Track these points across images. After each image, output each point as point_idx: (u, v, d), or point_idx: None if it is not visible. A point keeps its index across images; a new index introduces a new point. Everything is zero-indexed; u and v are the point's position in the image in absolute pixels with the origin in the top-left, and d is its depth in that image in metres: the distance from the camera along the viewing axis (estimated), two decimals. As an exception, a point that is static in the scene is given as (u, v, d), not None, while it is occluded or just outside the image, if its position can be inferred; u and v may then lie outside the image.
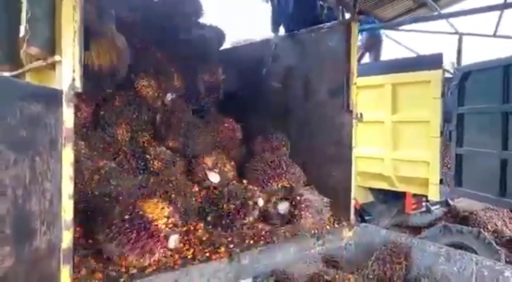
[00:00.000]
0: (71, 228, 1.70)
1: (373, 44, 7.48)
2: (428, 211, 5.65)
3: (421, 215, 5.64)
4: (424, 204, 5.54)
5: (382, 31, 7.67)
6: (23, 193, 1.35)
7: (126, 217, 2.23)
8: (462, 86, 4.39)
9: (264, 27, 4.38)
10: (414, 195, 5.23)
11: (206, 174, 3.19)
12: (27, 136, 1.40)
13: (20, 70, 2.19)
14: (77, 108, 3.02)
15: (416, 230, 5.45)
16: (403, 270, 2.90)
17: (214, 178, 3.22)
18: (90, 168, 2.62)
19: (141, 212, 2.28)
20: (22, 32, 1.91)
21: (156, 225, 2.28)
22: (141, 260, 2.20)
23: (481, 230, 4.65)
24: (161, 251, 2.29)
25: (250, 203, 2.93)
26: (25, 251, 1.40)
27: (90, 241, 2.37)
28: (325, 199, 3.21)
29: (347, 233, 3.28)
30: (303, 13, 3.87)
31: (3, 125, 1.30)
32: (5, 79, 1.64)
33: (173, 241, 2.38)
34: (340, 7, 4.09)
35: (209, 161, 3.34)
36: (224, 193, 2.98)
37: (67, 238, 1.68)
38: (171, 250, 2.37)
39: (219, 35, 4.60)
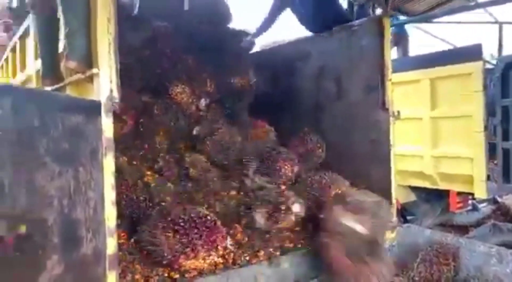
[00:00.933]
0: (115, 235, 1.75)
1: (399, 41, 7.29)
2: (475, 209, 5.40)
3: (467, 213, 5.39)
4: (470, 202, 5.29)
5: (407, 26, 7.44)
6: (68, 203, 1.40)
7: (184, 217, 2.25)
8: (505, 77, 4.18)
9: (293, 28, 4.37)
10: (459, 193, 5.00)
11: (242, 180, 3.19)
12: (69, 147, 1.45)
13: (61, 84, 2.29)
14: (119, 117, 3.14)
15: (462, 229, 5.22)
16: (452, 272, 2.78)
17: (250, 183, 3.21)
18: (133, 176, 2.69)
19: (199, 210, 2.30)
20: (61, 48, 2.00)
21: (215, 222, 2.30)
22: (207, 257, 2.22)
23: (534, 227, 4.40)
24: (223, 247, 2.31)
25: (283, 207, 2.89)
26: (72, 258, 1.45)
27: (135, 246, 2.43)
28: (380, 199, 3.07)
29: (389, 234, 3.18)
30: (325, 13, 3.82)
31: (47, 138, 1.35)
32: (47, 92, 1.70)
33: (229, 240, 2.41)
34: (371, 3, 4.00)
35: (244, 167, 3.31)
36: (258, 196, 2.96)
37: (111, 245, 1.72)
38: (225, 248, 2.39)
39: (249, 39, 4.62)
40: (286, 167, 3.24)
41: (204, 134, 3.37)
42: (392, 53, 7.22)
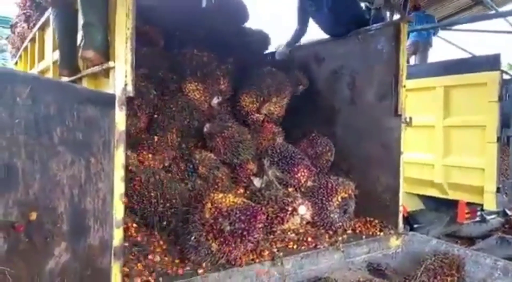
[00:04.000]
0: (121, 226, 1.78)
1: (421, 49, 7.21)
2: (483, 220, 5.31)
3: (475, 225, 5.30)
4: (478, 213, 5.22)
5: (431, 33, 7.34)
6: (78, 192, 1.43)
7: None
8: (523, 89, 4.11)
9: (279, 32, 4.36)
10: (468, 204, 4.94)
11: (250, 179, 3.20)
12: (83, 138, 1.49)
13: (78, 75, 2.34)
14: (134, 112, 3.19)
15: (469, 240, 5.15)
16: (455, 283, 2.75)
17: (258, 183, 3.24)
18: (146, 171, 2.74)
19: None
20: (79, 39, 2.04)
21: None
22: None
23: (543, 243, 4.32)
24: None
25: (289, 208, 2.90)
26: (80, 247, 1.48)
27: (145, 239, 2.47)
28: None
29: (394, 241, 3.17)
30: (344, 16, 3.79)
31: (62, 127, 1.38)
32: (64, 84, 1.74)
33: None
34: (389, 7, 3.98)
35: (253, 166, 3.36)
36: (265, 196, 2.97)
37: (118, 236, 1.76)
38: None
39: (264, 39, 4.63)
40: (302, 173, 3.23)
41: (215, 131, 3.38)
42: (411, 60, 7.22)
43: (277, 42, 4.85)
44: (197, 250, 2.25)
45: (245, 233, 2.21)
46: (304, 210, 2.96)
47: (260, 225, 2.32)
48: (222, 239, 2.21)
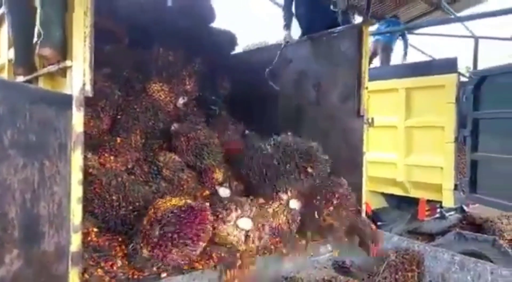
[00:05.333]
0: (79, 231, 1.72)
1: (383, 50, 7.43)
2: (443, 217, 5.54)
3: (435, 221, 5.53)
4: (438, 210, 5.44)
5: (396, 37, 7.58)
6: (31, 196, 1.37)
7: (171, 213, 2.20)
8: (478, 91, 4.30)
9: (275, 32, 4.39)
10: (428, 201, 5.14)
11: (216, 189, 3.15)
12: (36, 140, 1.43)
13: (34, 74, 2.24)
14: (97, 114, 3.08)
15: (430, 237, 5.35)
16: (416, 278, 2.85)
17: (224, 193, 3.14)
18: (107, 174, 2.65)
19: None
20: (35, 36, 1.96)
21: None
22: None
23: (497, 238, 4.54)
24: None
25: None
26: (33, 253, 1.42)
27: (106, 243, 2.39)
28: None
29: (358, 239, 3.24)
30: (320, 18, 3.86)
31: (13, 129, 1.32)
32: (16, 84, 1.67)
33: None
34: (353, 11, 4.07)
35: (219, 174, 3.26)
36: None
37: (76, 241, 1.70)
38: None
39: (231, 40, 4.62)
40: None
41: (182, 131, 3.31)
42: (375, 62, 7.41)
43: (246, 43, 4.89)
44: (134, 258, 2.20)
45: (175, 236, 2.13)
46: (295, 204, 2.92)
47: (202, 226, 2.23)
48: (152, 244, 2.14)
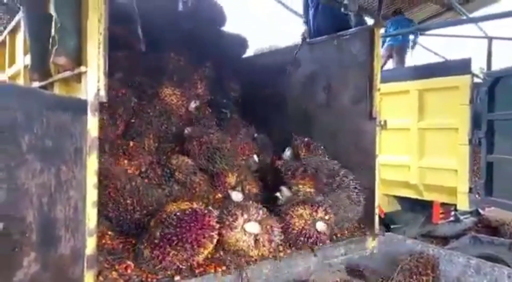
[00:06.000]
0: (94, 235, 1.74)
1: (398, 52, 7.36)
2: (457, 220, 5.46)
3: (449, 224, 5.45)
4: (452, 213, 5.36)
5: (411, 38, 7.50)
6: (48, 201, 1.39)
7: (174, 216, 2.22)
8: (492, 92, 4.22)
9: (275, 32, 4.41)
10: (442, 204, 5.07)
11: (229, 193, 3.16)
12: (53, 145, 1.45)
13: (49, 80, 2.29)
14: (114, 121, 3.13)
15: (444, 240, 5.28)
16: (430, 282, 2.81)
17: (237, 197, 3.15)
18: (122, 178, 2.68)
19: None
20: (51, 44, 2.00)
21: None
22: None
23: (514, 241, 4.46)
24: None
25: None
26: (50, 256, 1.45)
27: (121, 246, 2.42)
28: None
29: (371, 243, 3.21)
30: (331, 21, 3.86)
31: (30, 135, 1.35)
32: (32, 90, 1.70)
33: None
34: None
35: (232, 179, 3.27)
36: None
37: (91, 244, 1.72)
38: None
39: (242, 43, 4.64)
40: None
41: (194, 135, 3.33)
42: (388, 64, 7.35)
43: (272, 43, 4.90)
44: (138, 258, 2.23)
45: (174, 238, 2.14)
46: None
47: (203, 231, 2.23)
48: (152, 245, 2.17)
